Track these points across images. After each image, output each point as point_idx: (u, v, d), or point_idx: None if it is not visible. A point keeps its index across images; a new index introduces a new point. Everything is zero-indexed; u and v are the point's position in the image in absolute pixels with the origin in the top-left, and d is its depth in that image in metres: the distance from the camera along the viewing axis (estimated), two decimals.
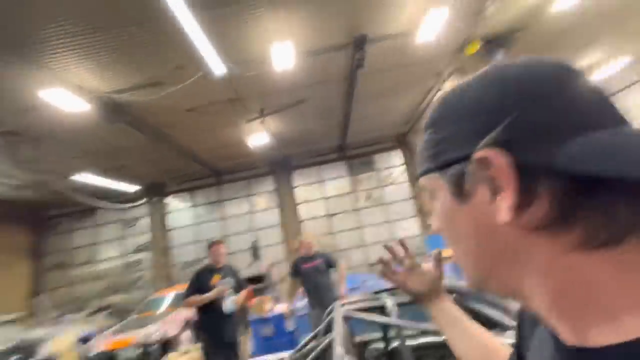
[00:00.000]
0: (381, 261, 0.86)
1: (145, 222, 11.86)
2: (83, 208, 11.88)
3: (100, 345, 5.78)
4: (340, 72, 6.74)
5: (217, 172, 11.90)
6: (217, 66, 5.42)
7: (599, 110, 0.29)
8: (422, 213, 11.46)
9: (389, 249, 0.87)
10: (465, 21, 5.80)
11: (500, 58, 6.66)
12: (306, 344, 1.80)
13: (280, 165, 12.02)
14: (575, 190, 0.26)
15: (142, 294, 11.20)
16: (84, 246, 11.91)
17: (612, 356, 0.25)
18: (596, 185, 0.25)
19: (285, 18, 4.92)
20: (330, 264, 4.11)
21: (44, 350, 6.42)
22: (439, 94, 8.14)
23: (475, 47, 6.42)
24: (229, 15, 4.70)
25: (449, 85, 7.73)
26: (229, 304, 3.27)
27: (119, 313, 9.66)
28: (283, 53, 5.32)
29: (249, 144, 9.06)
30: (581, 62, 8.64)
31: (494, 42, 6.62)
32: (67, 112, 5.81)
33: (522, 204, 0.27)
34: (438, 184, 0.34)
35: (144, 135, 7.54)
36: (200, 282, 3.44)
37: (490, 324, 2.09)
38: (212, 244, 3.63)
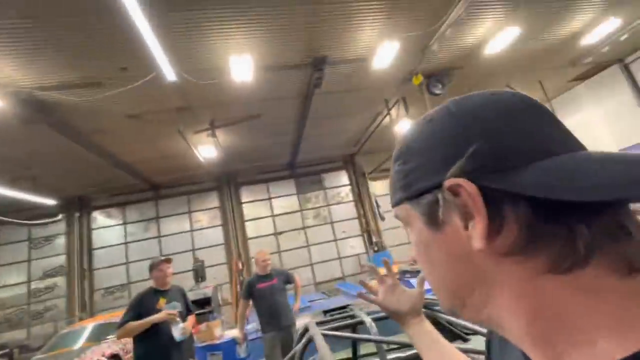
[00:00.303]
0: (362, 283, 0.87)
1: (61, 242, 10.19)
2: None
3: None
4: (297, 90, 6.83)
5: (154, 186, 10.91)
6: (168, 72, 5.08)
7: (557, 137, 0.31)
8: (368, 232, 11.86)
9: (370, 267, 0.89)
10: (412, 55, 6.39)
11: (438, 92, 7.46)
12: None
13: (227, 181, 11.52)
14: (539, 215, 0.27)
15: (51, 327, 9.44)
16: None
17: None
18: (558, 210, 0.26)
19: (247, 32, 4.87)
20: (287, 281, 3.96)
21: None
22: (385, 119, 8.74)
23: (419, 80, 7.08)
24: (186, 20, 4.49)
25: (394, 112, 8.34)
26: (177, 332, 2.84)
27: (20, 353, 7.98)
28: (241, 66, 5.22)
29: (195, 157, 8.52)
30: None
31: (433, 77, 7.38)
32: None
33: (493, 230, 0.28)
34: (411, 214, 0.35)
35: (69, 140, 6.63)
36: (142, 307, 2.92)
37: (453, 335, 2.18)
38: (157, 263, 3.11)
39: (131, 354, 6.11)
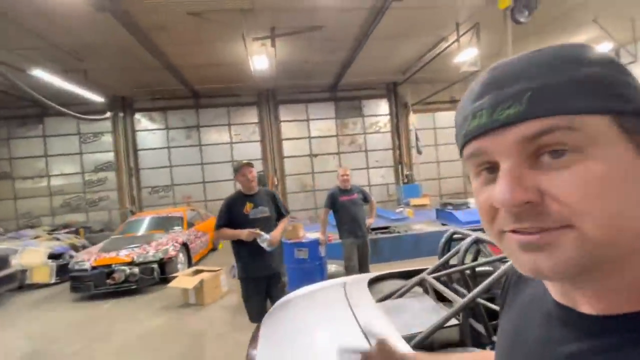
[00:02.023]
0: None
1: (108, 139, 10.61)
2: (25, 114, 10.16)
3: (89, 261, 5.43)
4: (370, 1, 6.23)
5: (195, 94, 10.81)
6: None
7: None
8: (400, 164, 12.04)
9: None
10: None
11: (523, 19, 6.74)
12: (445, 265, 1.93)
13: (266, 97, 11.33)
14: None
15: (106, 215, 10.47)
16: (29, 158, 10.39)
17: (627, 322, 0.29)
18: None
19: None
20: (365, 199, 4.25)
21: (15, 262, 5.86)
22: (448, 47, 8.11)
23: (506, 3, 6.34)
24: None
25: (466, 39, 7.67)
26: (265, 244, 2.74)
27: (85, 233, 9.02)
28: None
29: (245, 67, 8.23)
30: (573, 40, 9.16)
31: (521, 2, 6.59)
32: None
33: None
34: (607, 131, 0.28)
35: (128, 34, 6.38)
36: (231, 212, 2.89)
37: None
38: (240, 168, 2.89)
39: (195, 244, 6.86)
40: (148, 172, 10.84)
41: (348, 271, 4.05)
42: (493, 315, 1.86)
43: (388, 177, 12.11)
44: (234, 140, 11.32)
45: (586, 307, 0.32)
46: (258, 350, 1.56)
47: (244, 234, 2.78)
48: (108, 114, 9.82)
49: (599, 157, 0.27)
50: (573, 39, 9.07)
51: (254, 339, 1.71)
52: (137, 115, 10.84)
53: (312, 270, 4.01)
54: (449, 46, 8.05)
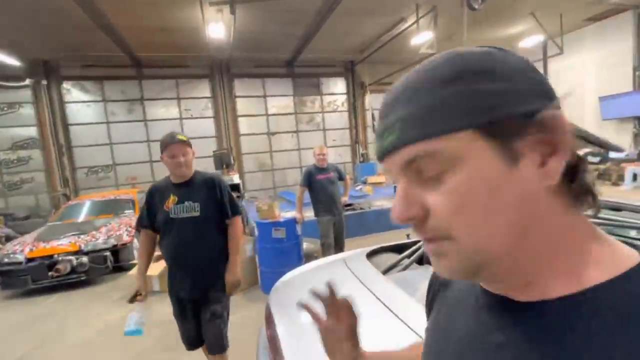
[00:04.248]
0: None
1: (28, 112, 9.02)
2: None
3: (23, 252, 4.69)
4: None
5: (137, 63, 9.62)
6: None
7: None
8: (357, 143, 12.30)
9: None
10: None
11: (477, 6, 7.12)
12: None
13: (219, 70, 10.55)
14: (578, 155, 0.31)
15: (32, 200, 9.08)
16: None
17: (562, 306, 0.28)
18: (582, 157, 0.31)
19: None
20: (340, 177, 4.26)
21: None
22: (405, 28, 8.29)
23: None
24: None
25: (423, 22, 7.88)
26: (132, 324, 2.00)
27: (6, 221, 7.75)
28: None
29: (197, 35, 7.51)
30: (512, 30, 9.97)
31: None
32: None
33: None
34: (474, 145, 0.28)
35: None
36: (152, 204, 2.08)
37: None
38: (164, 144, 1.98)
39: None
40: (83, 150, 9.55)
41: (324, 248, 4.11)
42: None
43: (345, 156, 12.32)
44: (183, 115, 10.44)
45: (513, 294, 0.32)
46: (278, 329, 1.51)
47: (138, 282, 2.07)
48: (27, 81, 8.31)
49: (465, 172, 0.28)
50: (511, 29, 9.87)
51: (268, 320, 1.65)
52: (66, 85, 9.35)
53: (290, 249, 3.98)
54: (408, 27, 8.23)
